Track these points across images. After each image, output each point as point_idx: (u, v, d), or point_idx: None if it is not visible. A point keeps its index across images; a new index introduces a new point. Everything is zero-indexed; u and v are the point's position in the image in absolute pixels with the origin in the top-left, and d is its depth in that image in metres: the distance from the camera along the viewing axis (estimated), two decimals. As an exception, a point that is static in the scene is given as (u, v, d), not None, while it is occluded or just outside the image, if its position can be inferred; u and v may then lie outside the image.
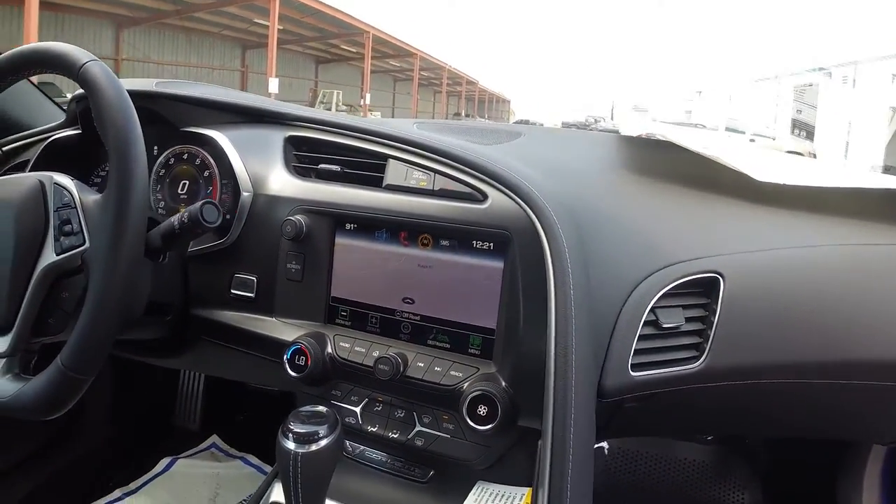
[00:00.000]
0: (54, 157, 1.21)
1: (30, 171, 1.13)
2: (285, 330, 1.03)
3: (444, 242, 0.96)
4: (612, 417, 0.94)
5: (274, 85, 17.61)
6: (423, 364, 0.95)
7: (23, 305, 0.86)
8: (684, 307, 0.90)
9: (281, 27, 19.39)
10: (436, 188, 0.98)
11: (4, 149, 1.34)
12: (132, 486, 1.48)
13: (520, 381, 0.89)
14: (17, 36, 13.16)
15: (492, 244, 0.93)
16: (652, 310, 0.89)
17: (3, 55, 0.95)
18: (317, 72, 29.95)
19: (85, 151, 1.24)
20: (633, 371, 0.87)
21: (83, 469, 1.61)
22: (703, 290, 0.91)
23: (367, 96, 24.39)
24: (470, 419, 0.87)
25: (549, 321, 0.80)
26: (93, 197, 0.90)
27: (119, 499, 1.40)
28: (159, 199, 1.19)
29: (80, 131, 1.24)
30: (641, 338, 0.88)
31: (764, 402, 0.94)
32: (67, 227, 0.88)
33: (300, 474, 0.79)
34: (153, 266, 1.01)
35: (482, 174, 0.94)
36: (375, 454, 1.06)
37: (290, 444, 0.79)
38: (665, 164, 1.17)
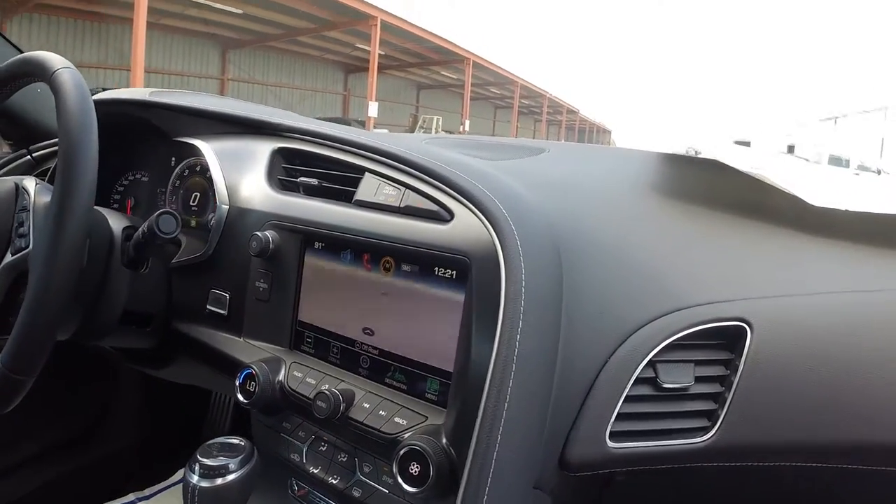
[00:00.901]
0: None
1: (48, 179, 1.13)
2: (250, 352, 0.97)
3: (406, 268, 0.85)
4: (602, 494, 0.80)
5: (374, 109, 17.87)
6: (369, 405, 0.83)
7: None
8: (697, 363, 0.73)
9: (382, 52, 19.71)
10: (402, 205, 0.86)
11: (34, 155, 1.38)
12: (146, 491, 1.38)
13: (463, 440, 0.70)
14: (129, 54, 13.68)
15: (454, 272, 0.79)
16: (651, 364, 0.73)
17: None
18: (418, 97, 30.36)
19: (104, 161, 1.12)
20: (611, 441, 0.72)
21: (103, 468, 1.58)
22: (725, 342, 0.74)
23: (467, 123, 24.52)
24: (401, 477, 0.73)
25: (487, 373, 0.67)
26: (45, 200, 0.91)
27: (132, 502, 1.29)
28: (191, 208, 1.20)
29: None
30: (631, 399, 0.72)
31: (785, 488, 0.76)
32: (21, 230, 0.90)
33: None
34: (131, 276, 1.02)
35: (449, 188, 0.81)
36: (320, 499, 0.93)
37: (193, 478, 0.76)
38: (703, 185, 1.02)
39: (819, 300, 0.76)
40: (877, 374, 0.69)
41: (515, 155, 1.11)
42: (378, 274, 0.88)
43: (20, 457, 1.44)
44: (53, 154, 1.31)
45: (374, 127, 18.58)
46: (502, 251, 0.71)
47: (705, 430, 0.72)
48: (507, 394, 0.66)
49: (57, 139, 1.24)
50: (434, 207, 0.83)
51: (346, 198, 0.94)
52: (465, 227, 0.78)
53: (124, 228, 1.03)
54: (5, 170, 1.35)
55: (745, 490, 0.80)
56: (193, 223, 1.18)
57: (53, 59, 0.91)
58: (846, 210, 0.86)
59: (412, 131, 22.31)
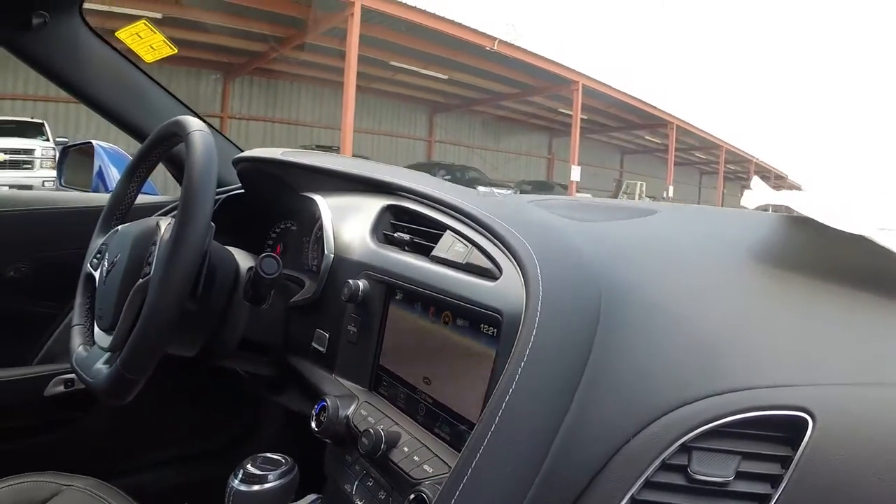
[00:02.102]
0: (225, 211, 1.47)
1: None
2: (337, 389, 1.04)
3: (460, 322, 0.86)
4: None
5: (576, 173, 18.00)
6: (409, 450, 0.84)
7: (122, 314, 1.04)
8: (745, 456, 0.60)
9: (585, 117, 19.86)
10: (465, 262, 0.88)
11: None
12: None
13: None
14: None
15: (494, 329, 0.79)
16: (686, 449, 0.61)
17: (152, 135, 1.20)
18: (622, 162, 30.11)
19: (248, 213, 1.47)
20: None
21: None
22: (782, 435, 0.60)
23: (671, 189, 23.95)
24: None
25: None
26: (165, 234, 1.07)
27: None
28: (312, 256, 1.35)
29: (242, 191, 1.52)
30: (653, 486, 0.61)
31: None
32: (150, 259, 1.06)
33: None
34: (251, 309, 1.18)
35: (502, 245, 0.82)
36: None
37: (234, 481, 0.84)
38: (806, 248, 0.91)
39: (889, 393, 0.62)
40: None
41: (621, 216, 1.08)
42: (439, 326, 0.90)
43: (170, 455, 1.68)
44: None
45: (578, 191, 18.59)
46: (524, 310, 0.70)
47: None
48: (479, 450, 0.63)
49: (221, 187, 1.53)
50: (488, 265, 0.83)
51: (428, 253, 0.98)
52: (508, 285, 0.77)
53: (249, 268, 1.17)
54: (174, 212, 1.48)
55: None
56: (315, 268, 1.32)
57: (191, 123, 1.06)
58: None
59: (616, 196, 22.03)
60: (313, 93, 18.34)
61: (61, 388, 1.52)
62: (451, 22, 14.68)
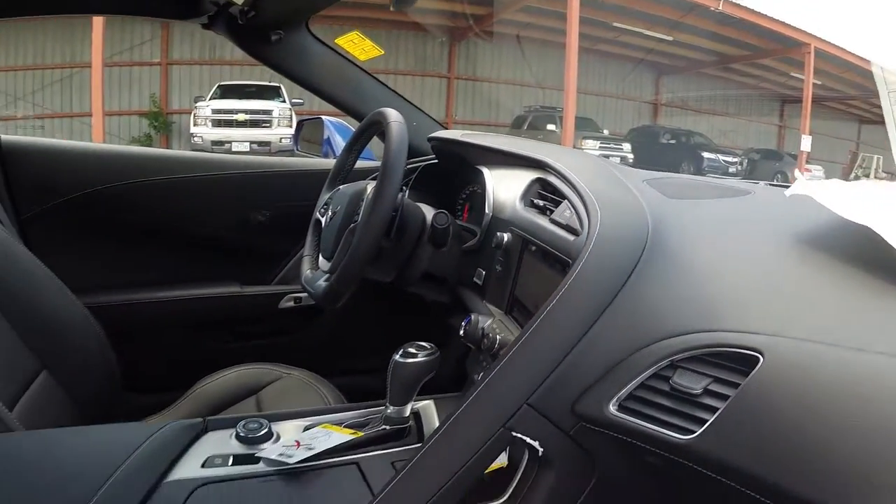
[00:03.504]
0: (420, 178, 1.77)
1: (409, 186, 1.59)
2: (485, 311, 1.39)
3: (557, 266, 1.16)
4: (595, 464, 0.95)
5: (806, 143, 17.04)
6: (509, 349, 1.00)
7: (338, 248, 1.41)
8: (714, 379, 0.79)
9: (818, 82, 18.71)
10: (566, 223, 1.15)
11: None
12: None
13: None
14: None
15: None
16: (673, 366, 0.83)
17: (363, 121, 1.59)
18: (859, 133, 27.71)
19: (447, 175, 1.86)
20: (613, 408, 0.86)
21: None
22: (740, 368, 0.77)
23: (916, 164, 21.87)
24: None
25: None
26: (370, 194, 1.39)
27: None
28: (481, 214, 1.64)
29: (436, 161, 1.93)
30: (644, 387, 0.85)
31: None
32: (359, 211, 1.42)
33: (392, 374, 1.08)
34: (433, 250, 1.51)
35: (588, 212, 1.06)
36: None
37: (396, 356, 1.08)
38: (815, 231, 1.03)
39: (843, 354, 0.72)
40: (860, 448, 0.64)
41: (712, 196, 1.28)
42: (545, 267, 1.22)
43: (368, 365, 1.87)
44: (411, 170, 1.76)
45: (808, 162, 17.51)
46: (579, 256, 0.96)
47: (691, 431, 0.77)
48: (529, 329, 0.92)
49: (415, 158, 1.92)
50: (577, 226, 1.09)
51: (550, 214, 1.26)
52: (580, 239, 1.03)
53: (433, 217, 1.50)
54: None
55: (729, 500, 0.80)
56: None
57: (391, 114, 1.39)
58: None
59: (850, 170, 20.45)
60: (538, 54, 18.23)
61: (291, 304, 2.04)
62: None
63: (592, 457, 0.93)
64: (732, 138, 21.67)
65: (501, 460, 0.95)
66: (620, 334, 0.90)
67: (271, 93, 14.29)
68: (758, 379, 0.73)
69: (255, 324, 2.05)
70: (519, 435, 0.91)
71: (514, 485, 0.95)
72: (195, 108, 13.74)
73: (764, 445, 0.70)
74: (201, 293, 1.99)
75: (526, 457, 0.94)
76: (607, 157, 14.70)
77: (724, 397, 0.76)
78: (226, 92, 14.33)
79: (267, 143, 13.19)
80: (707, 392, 0.78)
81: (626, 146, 16.24)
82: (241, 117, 13.29)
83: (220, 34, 1.87)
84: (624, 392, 0.85)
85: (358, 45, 2.08)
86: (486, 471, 0.94)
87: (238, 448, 1.06)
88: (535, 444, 0.91)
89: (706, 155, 17.59)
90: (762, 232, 1.06)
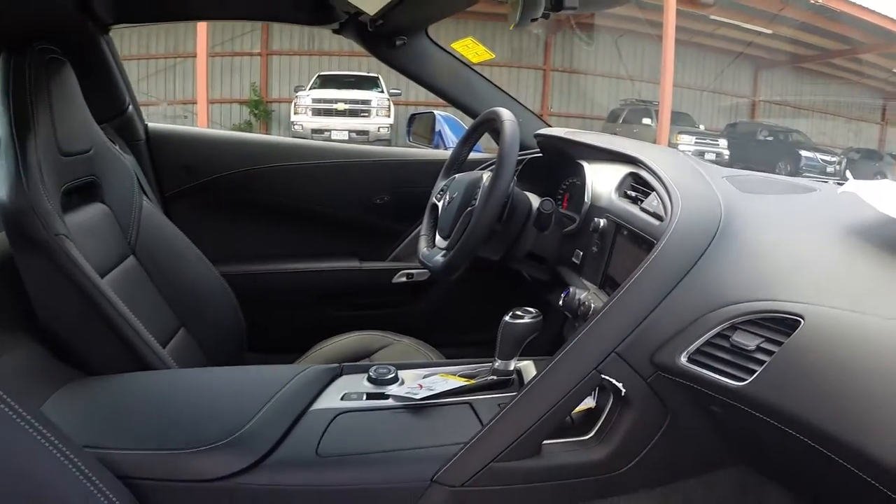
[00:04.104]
0: (525, 169, 1.99)
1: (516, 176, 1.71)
2: (581, 285, 1.53)
3: (643, 245, 1.31)
4: (667, 407, 1.11)
5: None
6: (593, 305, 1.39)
7: (455, 228, 1.59)
8: (765, 339, 0.94)
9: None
10: (653, 211, 1.32)
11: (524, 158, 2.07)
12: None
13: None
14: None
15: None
16: (733, 326, 0.99)
17: (477, 118, 1.75)
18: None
19: (550, 167, 1.99)
20: (684, 359, 1.02)
21: None
22: (785, 329, 0.93)
23: None
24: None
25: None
26: (486, 182, 1.57)
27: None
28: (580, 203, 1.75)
29: (541, 155, 2.07)
30: (710, 344, 1.01)
31: (795, 455, 0.95)
32: (475, 196, 1.59)
33: (501, 332, 1.26)
34: (537, 233, 1.65)
35: (671, 202, 1.22)
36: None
37: (506, 318, 1.25)
38: (863, 224, 1.19)
39: (869, 320, 0.89)
40: (876, 394, 0.81)
41: (780, 191, 1.45)
42: (634, 248, 1.36)
43: (469, 339, 2.22)
44: (518, 161, 1.83)
45: None
46: (661, 238, 1.13)
47: (743, 379, 0.92)
48: (616, 296, 1.09)
49: (521, 152, 1.93)
50: (662, 213, 1.24)
51: (640, 203, 1.41)
52: (664, 224, 1.18)
53: (540, 203, 1.63)
54: (491, 167, 1.87)
55: (767, 442, 1.03)
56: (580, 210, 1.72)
57: (504, 114, 1.56)
58: None
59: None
60: (634, 47, 18.08)
61: (404, 279, 2.28)
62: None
63: (665, 403, 1.09)
64: (831, 136, 20.96)
65: (589, 403, 1.16)
66: (692, 300, 1.06)
67: (370, 83, 14.54)
68: (798, 338, 0.89)
69: (371, 296, 2.32)
70: (606, 377, 1.07)
71: (600, 423, 1.13)
72: (296, 97, 14.13)
73: (800, 390, 0.86)
74: (324, 267, 2.26)
75: (611, 401, 1.12)
76: (703, 153, 14.77)
77: (771, 353, 0.92)
78: (325, 82, 14.70)
79: (365, 133, 13.41)
80: (759, 349, 0.94)
81: (723, 142, 15.94)
82: (340, 107, 13.56)
83: (350, 38, 2.09)
84: (693, 347, 1.01)
85: (472, 49, 2.27)
86: (576, 411, 1.14)
87: (370, 388, 1.24)
88: (620, 385, 1.07)
89: (804, 153, 17.03)
90: (814, 223, 1.25)
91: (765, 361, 0.92)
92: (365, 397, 1.21)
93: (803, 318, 0.90)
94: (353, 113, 13.63)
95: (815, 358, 0.87)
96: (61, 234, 1.27)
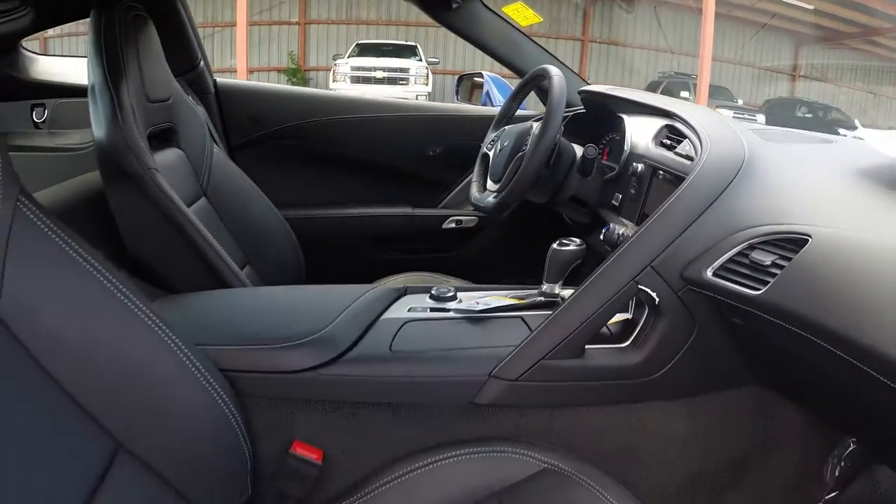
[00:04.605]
0: (569, 125, 2.06)
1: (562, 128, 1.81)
2: (619, 224, 1.62)
3: (674, 182, 1.43)
4: (694, 318, 1.22)
5: None
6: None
7: (505, 173, 1.73)
8: (780, 256, 1.06)
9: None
10: (685, 153, 1.46)
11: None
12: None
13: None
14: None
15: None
16: (751, 246, 1.11)
17: (527, 75, 1.90)
18: None
19: (592, 123, 2.07)
20: (710, 273, 1.13)
21: None
22: (795, 247, 1.05)
23: None
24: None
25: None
26: (534, 131, 1.70)
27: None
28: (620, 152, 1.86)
29: (584, 111, 2.17)
30: (733, 261, 1.12)
31: (815, 357, 1.01)
32: (525, 143, 1.71)
33: (549, 259, 1.32)
34: (580, 178, 1.78)
35: (701, 145, 1.34)
36: None
37: (554, 245, 1.32)
38: (874, 169, 1.35)
39: (867, 237, 1.03)
40: (868, 297, 0.93)
41: (801, 141, 1.62)
42: (669, 186, 1.45)
43: (515, 280, 2.21)
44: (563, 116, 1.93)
45: None
46: (690, 173, 1.26)
47: (759, 288, 1.03)
48: (651, 220, 1.21)
49: (570, 109, 2.14)
50: (692, 153, 1.38)
51: (674, 149, 1.52)
52: (695, 163, 1.29)
53: (585, 149, 1.74)
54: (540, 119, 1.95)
55: (784, 354, 1.14)
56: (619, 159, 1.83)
57: (553, 70, 1.68)
58: None
59: None
60: (674, 18, 17.88)
61: (453, 225, 2.42)
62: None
63: (693, 315, 1.21)
64: (872, 116, 20.58)
65: (626, 315, 1.29)
66: (717, 223, 1.18)
67: (408, 51, 14.61)
68: (807, 252, 1.01)
69: (422, 241, 2.48)
70: (643, 287, 1.18)
71: (636, 332, 1.24)
72: (334, 65, 14.24)
73: (809, 296, 0.97)
74: (379, 212, 2.43)
75: (645, 312, 1.23)
76: (740, 127, 14.45)
77: (782, 267, 1.03)
78: (364, 50, 14.83)
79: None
80: (773, 264, 1.05)
81: (761, 118, 15.73)
82: (379, 74, 13.62)
83: (408, 1, 2.22)
84: (717, 263, 1.13)
85: (521, 13, 2.41)
86: (614, 321, 1.28)
87: (432, 304, 1.35)
88: (654, 294, 1.18)
89: (843, 132, 16.80)
90: (826, 164, 1.42)
91: (777, 273, 1.03)
92: (429, 311, 1.32)
93: (811, 237, 1.03)
94: (391, 81, 13.68)
95: (820, 269, 0.99)
96: (153, 167, 1.43)
